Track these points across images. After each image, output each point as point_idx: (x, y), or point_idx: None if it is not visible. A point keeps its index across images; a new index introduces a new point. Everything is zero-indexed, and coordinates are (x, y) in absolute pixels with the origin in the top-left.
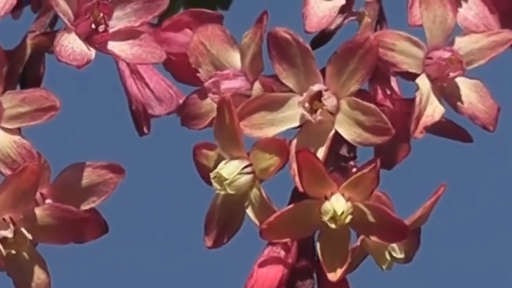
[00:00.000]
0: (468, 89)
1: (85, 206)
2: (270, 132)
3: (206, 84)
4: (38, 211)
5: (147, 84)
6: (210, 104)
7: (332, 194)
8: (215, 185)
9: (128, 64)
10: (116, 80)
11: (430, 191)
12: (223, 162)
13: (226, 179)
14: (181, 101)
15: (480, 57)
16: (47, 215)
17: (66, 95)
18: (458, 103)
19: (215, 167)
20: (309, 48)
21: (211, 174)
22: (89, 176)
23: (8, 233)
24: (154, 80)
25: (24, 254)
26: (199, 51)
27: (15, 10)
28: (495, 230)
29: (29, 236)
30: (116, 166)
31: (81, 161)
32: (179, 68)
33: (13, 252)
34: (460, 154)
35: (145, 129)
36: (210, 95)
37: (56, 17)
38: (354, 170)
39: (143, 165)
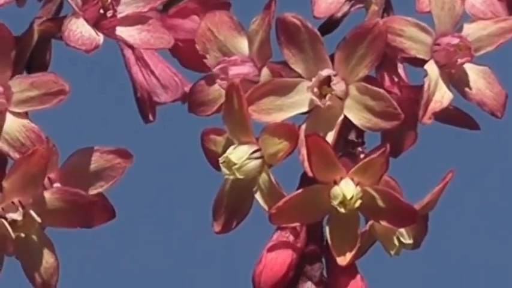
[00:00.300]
0: (476, 75)
1: (93, 191)
2: (279, 117)
3: (214, 70)
4: (47, 194)
5: (152, 72)
6: (217, 90)
7: (341, 178)
8: (224, 169)
9: (133, 51)
10: (121, 67)
11: (436, 179)
12: (232, 147)
13: (235, 164)
14: (186, 89)
15: (488, 44)
16: (56, 198)
17: (72, 82)
18: (467, 89)
19: (224, 152)
20: (318, 33)
21: (220, 159)
22: (96, 161)
23: (17, 216)
24: (159, 68)
25: (33, 237)
26: (206, 38)
27: None
28: (502, 217)
29: (38, 219)
30: (124, 151)
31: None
32: (186, 54)
33: (22, 235)
34: (467, 141)
35: (150, 117)
36: (218, 81)
37: (62, 4)
38: (362, 155)
39: (149, 152)
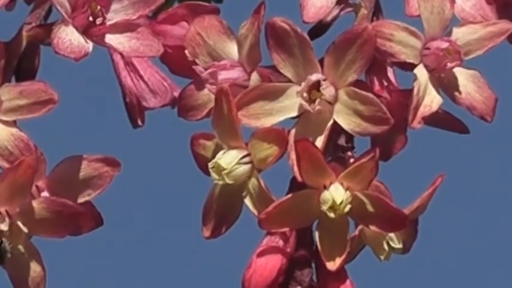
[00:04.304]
0: (466, 80)
1: (80, 199)
2: (268, 122)
3: (203, 74)
4: (34, 204)
5: (141, 77)
6: (207, 95)
7: (331, 183)
8: (213, 175)
9: (122, 56)
10: (110, 72)
11: (426, 183)
12: (221, 152)
13: (224, 169)
14: (175, 94)
15: (478, 48)
16: (43, 208)
17: (60, 87)
18: (456, 93)
19: (213, 157)
20: (307, 38)
21: (210, 164)
22: (84, 169)
23: (4, 226)
24: (148, 72)
25: (20, 247)
26: (196, 42)
27: (9, 2)
28: (491, 221)
29: (25, 229)
30: (112, 159)
31: (76, 154)
32: (175, 60)
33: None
34: (457, 145)
35: (139, 122)
36: (208, 85)
37: (50, 9)
38: (352, 160)
39: (138, 157)
